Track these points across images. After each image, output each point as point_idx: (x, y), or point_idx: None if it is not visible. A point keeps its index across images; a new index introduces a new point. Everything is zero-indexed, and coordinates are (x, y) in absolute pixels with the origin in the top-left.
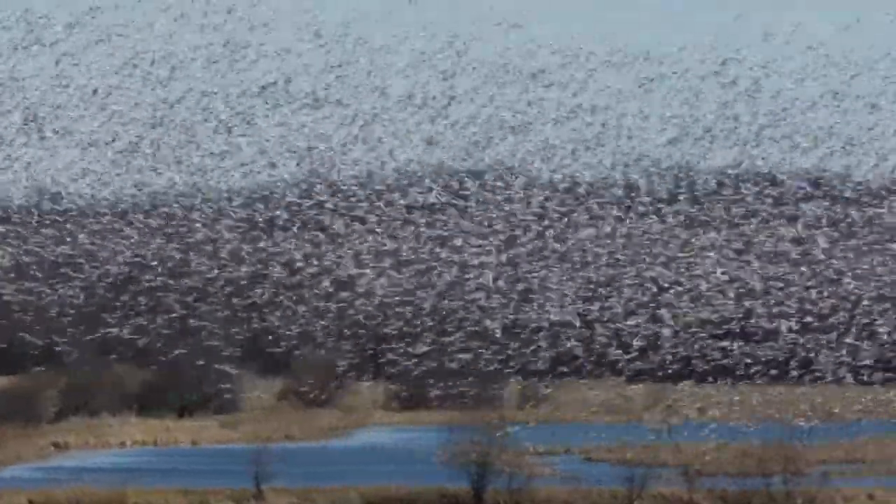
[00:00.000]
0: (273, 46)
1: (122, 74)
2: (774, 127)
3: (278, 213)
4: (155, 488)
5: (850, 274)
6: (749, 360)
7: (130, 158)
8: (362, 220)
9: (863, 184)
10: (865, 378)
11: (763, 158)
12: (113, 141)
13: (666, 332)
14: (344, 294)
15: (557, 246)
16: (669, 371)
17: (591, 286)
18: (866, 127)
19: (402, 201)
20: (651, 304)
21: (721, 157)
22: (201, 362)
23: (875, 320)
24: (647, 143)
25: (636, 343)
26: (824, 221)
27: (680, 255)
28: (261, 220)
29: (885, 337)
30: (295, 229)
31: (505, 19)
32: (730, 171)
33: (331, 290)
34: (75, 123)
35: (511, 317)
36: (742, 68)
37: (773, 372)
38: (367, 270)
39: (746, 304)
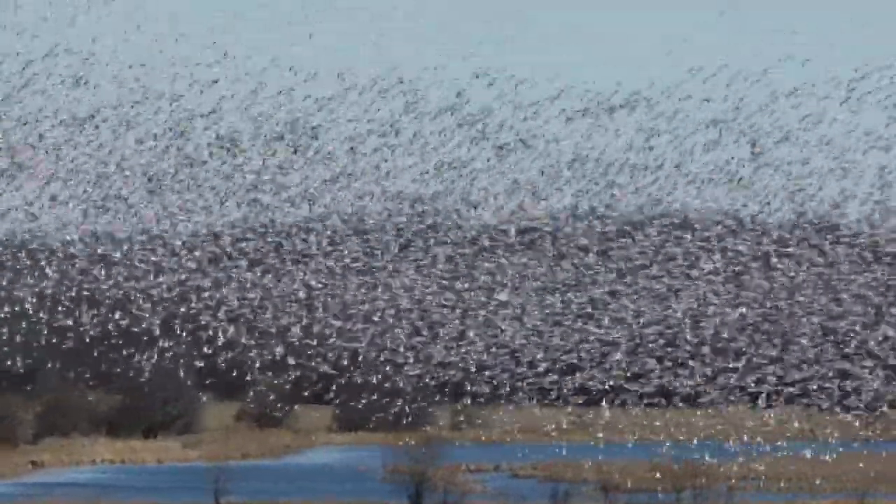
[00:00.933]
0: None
1: (80, 121)
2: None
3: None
4: (126, 502)
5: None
6: (661, 387)
7: (91, 201)
8: (306, 262)
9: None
10: (762, 404)
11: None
12: (76, 180)
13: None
14: (293, 329)
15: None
16: (587, 395)
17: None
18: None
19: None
20: (567, 332)
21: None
22: (166, 388)
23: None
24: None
25: (552, 373)
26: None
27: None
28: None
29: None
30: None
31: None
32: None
33: (281, 326)
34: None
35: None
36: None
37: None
38: (316, 306)
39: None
